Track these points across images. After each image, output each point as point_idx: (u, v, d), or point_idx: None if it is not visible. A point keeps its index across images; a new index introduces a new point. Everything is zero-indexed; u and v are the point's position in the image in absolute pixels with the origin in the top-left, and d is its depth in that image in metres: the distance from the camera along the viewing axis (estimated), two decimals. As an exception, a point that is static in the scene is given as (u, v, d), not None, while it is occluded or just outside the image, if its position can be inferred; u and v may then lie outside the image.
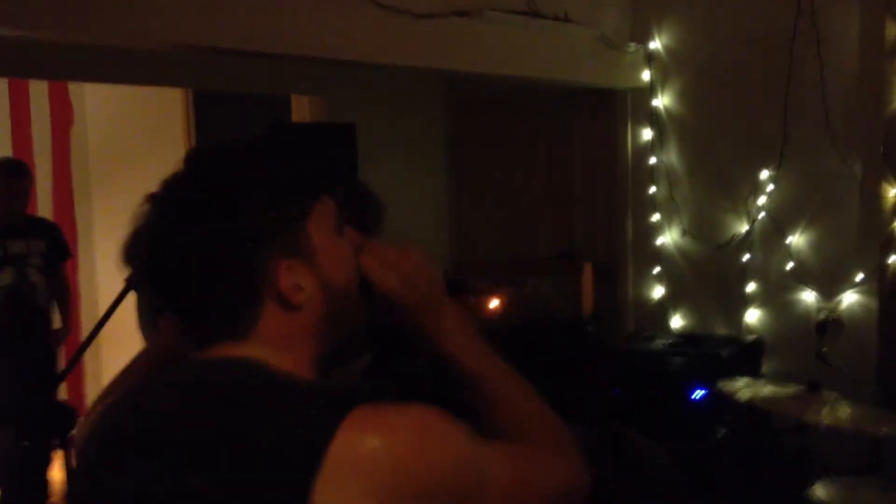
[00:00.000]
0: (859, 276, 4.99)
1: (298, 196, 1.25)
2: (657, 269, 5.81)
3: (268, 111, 6.25)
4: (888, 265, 4.95)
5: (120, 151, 7.06)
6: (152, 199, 1.25)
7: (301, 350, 1.25)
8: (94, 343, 3.09)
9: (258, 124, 5.86)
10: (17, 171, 5.29)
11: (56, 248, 5.52)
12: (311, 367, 1.26)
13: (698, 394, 4.73)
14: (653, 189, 5.79)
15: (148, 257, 1.25)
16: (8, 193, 5.18)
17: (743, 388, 3.92)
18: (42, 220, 5.70)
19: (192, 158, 1.27)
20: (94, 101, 7.12)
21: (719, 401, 4.19)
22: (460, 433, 1.17)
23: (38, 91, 6.84)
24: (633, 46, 5.68)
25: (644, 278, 5.90)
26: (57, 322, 5.64)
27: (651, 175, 5.79)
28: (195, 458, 1.11)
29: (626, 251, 5.99)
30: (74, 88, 7.02)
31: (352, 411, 1.10)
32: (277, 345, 1.23)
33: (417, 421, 1.14)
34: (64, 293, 5.69)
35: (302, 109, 6.14)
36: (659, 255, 5.80)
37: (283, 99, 6.18)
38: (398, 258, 1.32)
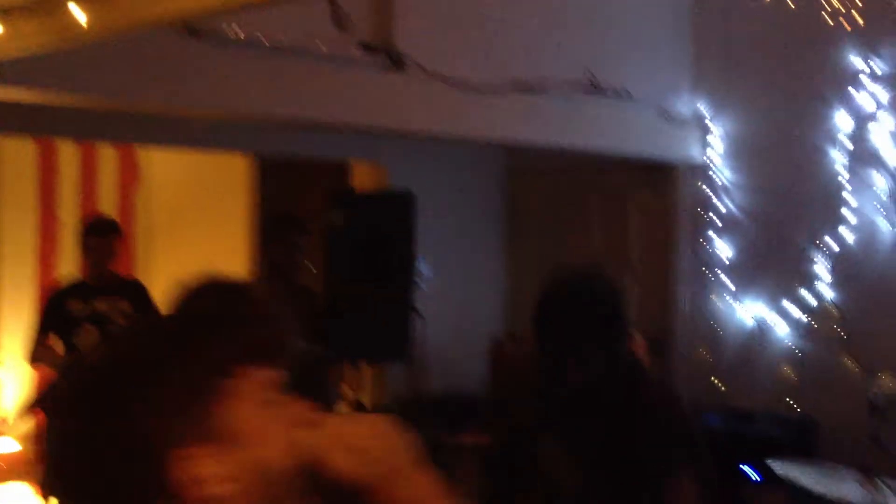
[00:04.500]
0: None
1: (199, 376, 1.08)
2: (710, 343, 5.78)
3: (329, 176, 6.36)
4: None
5: (184, 213, 7.21)
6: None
7: None
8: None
9: (319, 188, 5.96)
10: (107, 229, 5.30)
11: (141, 308, 5.43)
12: None
13: (750, 473, 4.67)
14: (709, 262, 5.80)
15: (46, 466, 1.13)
16: (98, 251, 5.19)
17: (794, 470, 3.87)
18: (130, 280, 5.65)
19: (110, 342, 1.15)
20: (161, 163, 7.27)
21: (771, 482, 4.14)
22: None
23: (108, 153, 7.02)
24: (690, 122, 5.71)
25: (696, 352, 5.85)
26: None
27: (707, 250, 5.79)
28: None
29: (678, 324, 5.96)
30: (142, 151, 7.18)
31: None
32: None
33: None
34: None
35: (362, 175, 6.23)
36: (712, 330, 5.77)
37: (343, 164, 6.29)
38: (352, 433, 1.16)
